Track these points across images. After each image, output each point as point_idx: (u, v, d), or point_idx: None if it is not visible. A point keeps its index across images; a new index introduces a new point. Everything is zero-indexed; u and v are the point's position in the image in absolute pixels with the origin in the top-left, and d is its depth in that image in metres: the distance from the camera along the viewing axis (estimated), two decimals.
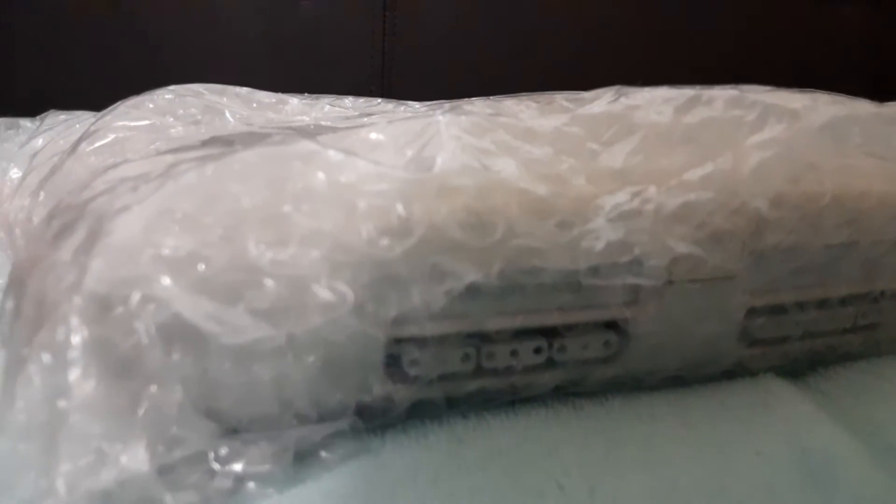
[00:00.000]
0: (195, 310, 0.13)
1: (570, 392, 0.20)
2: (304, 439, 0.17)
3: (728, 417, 0.20)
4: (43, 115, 0.33)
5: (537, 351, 0.19)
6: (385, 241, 0.15)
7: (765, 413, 0.20)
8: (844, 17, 0.62)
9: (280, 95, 0.28)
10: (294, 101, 0.28)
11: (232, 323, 0.14)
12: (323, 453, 0.17)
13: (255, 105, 0.27)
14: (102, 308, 0.13)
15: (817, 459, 0.18)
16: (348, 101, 0.31)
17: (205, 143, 0.18)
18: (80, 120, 0.30)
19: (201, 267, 0.14)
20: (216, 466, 0.15)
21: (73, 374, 0.13)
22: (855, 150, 0.19)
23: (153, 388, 0.14)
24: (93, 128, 0.24)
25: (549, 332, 0.19)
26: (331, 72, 0.58)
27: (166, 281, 0.13)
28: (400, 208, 0.15)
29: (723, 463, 0.18)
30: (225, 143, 0.18)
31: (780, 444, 0.18)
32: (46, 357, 0.13)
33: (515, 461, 0.18)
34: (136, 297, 0.13)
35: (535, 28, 0.59)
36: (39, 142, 0.28)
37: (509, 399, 0.19)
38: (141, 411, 0.14)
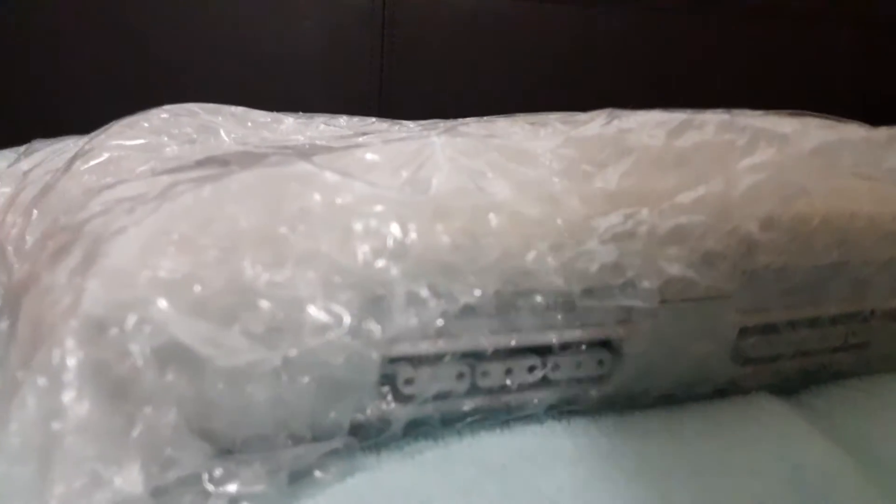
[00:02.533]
0: (191, 332, 0.13)
1: (563, 410, 0.20)
2: (298, 459, 0.17)
3: (721, 434, 0.20)
4: (28, 145, 0.33)
5: (531, 369, 0.19)
6: (381, 263, 0.15)
7: (757, 430, 0.20)
8: (838, 39, 0.63)
9: (275, 114, 0.28)
10: (289, 121, 0.28)
11: (228, 345, 0.14)
12: (317, 473, 0.17)
13: (249, 124, 0.27)
14: (98, 330, 0.13)
15: (810, 475, 0.18)
16: (343, 119, 0.31)
17: (200, 164, 0.18)
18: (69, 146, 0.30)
19: (197, 289, 0.14)
20: (210, 488, 0.15)
21: (68, 397, 0.13)
22: (845, 173, 0.19)
23: (147, 410, 0.14)
24: (87, 146, 0.24)
25: (543, 351, 0.19)
26: (330, 89, 0.58)
27: (162, 303, 0.13)
28: (396, 230, 0.15)
29: (716, 479, 0.18)
30: (221, 163, 0.18)
31: (773, 461, 0.18)
32: (41, 380, 0.13)
33: (509, 479, 0.18)
34: (132, 319, 0.13)
35: (533, 47, 0.60)
36: (24, 165, 0.28)
37: (504, 418, 0.19)
38: (135, 433, 0.14)
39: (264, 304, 0.14)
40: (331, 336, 0.15)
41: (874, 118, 0.25)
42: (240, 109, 0.29)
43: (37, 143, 0.33)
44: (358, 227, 0.15)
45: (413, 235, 0.15)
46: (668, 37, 0.61)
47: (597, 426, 0.20)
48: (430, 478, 0.17)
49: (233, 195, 0.15)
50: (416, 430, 0.19)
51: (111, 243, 0.14)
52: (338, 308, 0.15)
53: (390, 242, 0.15)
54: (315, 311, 0.14)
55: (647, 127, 0.19)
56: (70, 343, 0.13)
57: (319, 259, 0.15)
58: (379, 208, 0.15)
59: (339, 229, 0.15)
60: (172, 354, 0.14)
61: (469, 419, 0.19)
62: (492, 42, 0.59)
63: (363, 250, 0.15)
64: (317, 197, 0.15)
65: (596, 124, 0.20)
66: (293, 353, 0.14)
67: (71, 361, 0.13)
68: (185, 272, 0.14)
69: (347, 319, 0.15)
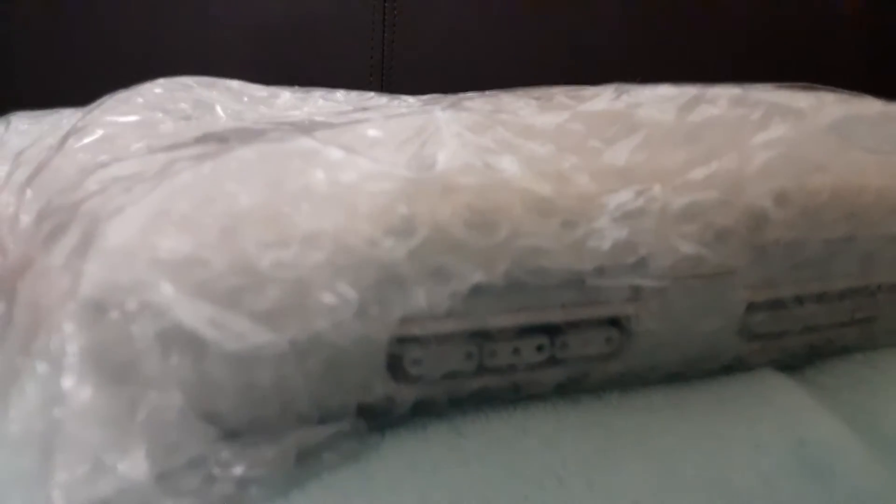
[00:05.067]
0: (195, 315, 0.13)
1: (571, 389, 0.20)
2: (305, 441, 0.17)
3: (726, 410, 0.20)
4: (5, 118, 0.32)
5: (540, 349, 0.19)
6: (388, 242, 0.15)
7: (762, 405, 0.20)
8: (846, 10, 0.62)
9: (272, 89, 0.28)
10: (286, 95, 0.27)
11: (233, 328, 0.13)
12: (325, 454, 0.17)
13: (246, 99, 0.27)
14: (98, 314, 0.13)
15: (815, 451, 0.18)
16: (340, 94, 0.30)
17: (198, 141, 0.18)
18: (64, 116, 0.29)
19: (200, 270, 0.13)
20: (216, 471, 0.15)
21: (69, 382, 0.13)
22: (862, 148, 0.19)
23: (152, 394, 0.14)
24: (80, 123, 0.23)
25: (552, 330, 0.19)
26: (330, 64, 0.57)
27: (164, 285, 0.13)
28: (403, 208, 0.15)
29: (721, 455, 0.18)
30: (220, 139, 0.18)
31: (778, 436, 0.18)
32: (41, 365, 0.13)
33: (514, 454, 0.17)
34: (133, 302, 0.13)
35: (537, 21, 0.59)
36: (14, 141, 0.27)
37: (512, 398, 0.19)
38: (139, 418, 0.14)
39: (269, 285, 0.14)
40: (338, 317, 0.14)
41: (883, 91, 0.24)
42: (236, 83, 0.28)
43: (16, 116, 0.32)
44: (364, 205, 0.15)
45: (421, 214, 0.15)
46: (674, 11, 0.60)
47: (601, 401, 0.20)
48: (435, 453, 0.17)
49: (233, 173, 0.15)
50: (424, 410, 0.18)
51: (109, 224, 0.13)
52: (344, 289, 0.14)
53: (397, 221, 0.15)
54: (321, 293, 0.14)
55: (657, 102, 0.18)
56: (69, 327, 0.13)
57: (325, 238, 0.14)
58: (385, 186, 0.15)
59: (344, 208, 0.15)
60: (176, 337, 0.13)
61: (477, 399, 0.19)
62: (495, 17, 0.58)
63: (370, 229, 0.15)
64: (320, 174, 0.15)
65: (604, 99, 0.19)
66: (300, 335, 0.14)
67: (71, 346, 0.12)
68: (186, 253, 0.13)
69: (354, 300, 0.14)
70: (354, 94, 0.31)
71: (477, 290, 0.17)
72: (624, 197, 0.16)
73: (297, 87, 0.30)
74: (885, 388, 0.21)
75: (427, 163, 0.16)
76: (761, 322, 0.21)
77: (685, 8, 0.60)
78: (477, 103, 0.20)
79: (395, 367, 0.17)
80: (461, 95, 0.22)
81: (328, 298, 0.14)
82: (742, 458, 0.18)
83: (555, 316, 0.18)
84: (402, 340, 0.17)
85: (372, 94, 0.31)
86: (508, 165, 0.17)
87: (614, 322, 0.19)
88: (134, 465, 0.13)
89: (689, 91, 0.18)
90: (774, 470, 0.17)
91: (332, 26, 0.57)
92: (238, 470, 0.15)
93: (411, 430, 0.18)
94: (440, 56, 0.58)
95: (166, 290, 0.13)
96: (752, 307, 0.20)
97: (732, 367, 0.21)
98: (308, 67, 0.57)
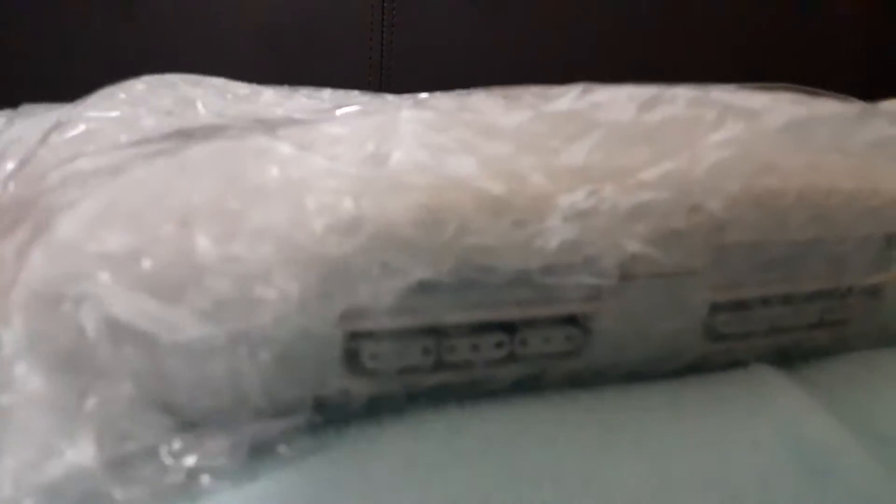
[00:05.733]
0: (132, 308, 0.13)
1: (532, 386, 0.20)
2: (260, 434, 0.17)
3: (723, 408, 0.20)
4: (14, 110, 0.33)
5: (499, 345, 0.19)
6: (334, 238, 0.15)
7: (760, 404, 0.20)
8: (841, 13, 0.61)
9: (255, 87, 0.28)
10: (269, 93, 0.28)
11: (172, 321, 0.14)
12: (281, 448, 0.17)
13: (229, 96, 0.27)
14: (44, 304, 0.13)
15: (812, 450, 0.18)
16: (327, 93, 0.31)
17: (165, 137, 0.18)
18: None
19: (144, 263, 0.14)
20: (169, 461, 0.16)
21: (18, 371, 0.13)
22: (816, 148, 0.19)
23: (101, 384, 0.14)
24: (65, 118, 0.24)
25: (511, 327, 0.19)
26: (329, 63, 0.58)
27: (105, 277, 0.13)
28: (350, 205, 0.15)
29: (718, 453, 0.18)
30: (185, 136, 0.18)
31: (775, 435, 0.18)
32: None
33: (512, 453, 0.18)
34: (76, 293, 0.13)
35: (536, 20, 0.59)
36: (14, 132, 0.28)
37: (470, 393, 0.19)
38: (88, 406, 0.14)
39: (213, 279, 0.14)
40: (280, 312, 0.15)
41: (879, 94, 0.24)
42: (220, 81, 0.29)
43: (24, 108, 0.33)
44: (312, 201, 0.15)
45: (367, 211, 0.15)
46: (671, 13, 0.59)
47: (600, 400, 0.20)
48: (434, 452, 0.17)
49: (186, 169, 0.15)
50: (382, 406, 0.19)
51: (60, 216, 0.14)
52: (287, 284, 0.15)
53: (344, 218, 0.15)
54: (264, 287, 0.14)
55: (619, 101, 0.19)
56: (17, 317, 0.13)
57: (272, 234, 0.15)
58: (333, 183, 0.15)
59: (292, 204, 0.15)
60: (121, 328, 0.14)
61: (435, 395, 0.19)
62: (494, 16, 0.58)
63: (317, 225, 0.15)
64: (272, 171, 0.15)
65: (568, 99, 0.19)
66: (243, 328, 0.14)
67: (17, 335, 0.13)
68: (132, 246, 0.14)
69: (296, 295, 0.15)
70: (341, 93, 0.31)
71: (430, 287, 0.17)
72: (576, 197, 0.17)
73: (284, 86, 0.30)
74: (882, 388, 0.21)
75: (381, 161, 0.16)
76: (726, 322, 0.21)
77: (684, 9, 0.60)
78: (443, 102, 0.20)
79: (352, 361, 0.18)
80: (432, 94, 0.23)
81: (270, 293, 0.14)
82: (739, 458, 0.18)
83: (510, 314, 0.18)
84: (358, 335, 0.17)
85: (357, 92, 0.31)
86: (464, 164, 0.17)
87: (574, 320, 0.19)
88: (82, 451, 0.14)
89: (649, 91, 0.19)
90: (772, 469, 0.17)
91: (332, 26, 0.57)
92: (190, 460, 0.16)
93: (410, 429, 0.18)
94: (439, 56, 0.58)
95: (107, 283, 0.13)
96: (715, 307, 0.20)
97: (699, 367, 0.21)
98: (308, 67, 0.57)
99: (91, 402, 0.14)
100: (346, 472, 0.17)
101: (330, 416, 0.18)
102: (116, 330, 0.14)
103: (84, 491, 0.14)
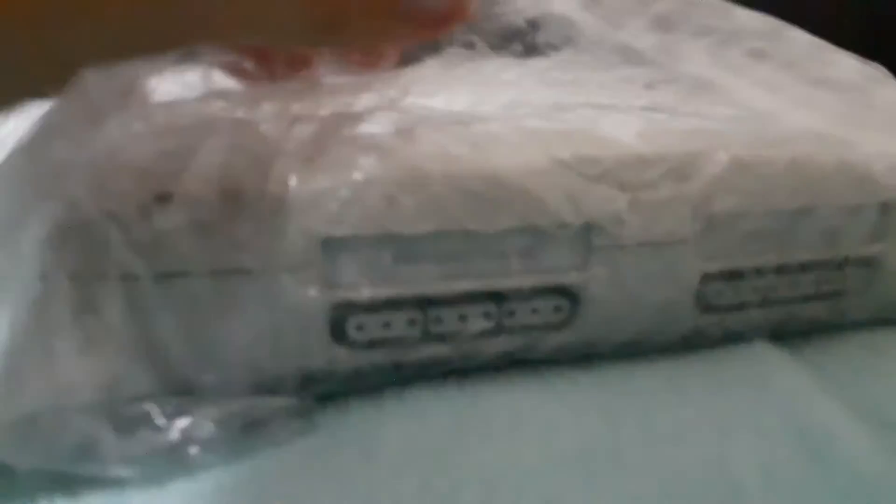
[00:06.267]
0: None
1: (523, 359, 0.20)
2: (251, 410, 0.17)
3: (726, 393, 0.19)
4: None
5: (486, 316, 0.19)
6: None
7: (763, 389, 0.20)
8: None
9: None
10: None
11: None
12: (275, 428, 0.17)
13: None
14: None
15: (816, 436, 0.18)
16: None
17: None
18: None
19: None
20: (161, 421, 0.16)
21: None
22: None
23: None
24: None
25: (498, 298, 0.19)
26: None
27: None
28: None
29: (721, 438, 0.18)
30: None
31: (779, 421, 0.18)
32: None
33: (515, 440, 0.17)
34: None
35: None
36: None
37: (459, 366, 0.19)
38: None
39: None
40: (268, 280, 0.15)
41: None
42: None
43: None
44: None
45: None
46: None
47: (600, 383, 0.20)
48: (437, 438, 0.17)
49: None
50: (370, 379, 0.19)
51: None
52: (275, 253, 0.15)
53: None
54: (251, 256, 0.14)
55: None
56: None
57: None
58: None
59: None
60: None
61: (423, 367, 0.19)
62: None
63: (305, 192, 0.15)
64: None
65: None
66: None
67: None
68: None
69: (284, 263, 0.15)
70: None
71: (416, 256, 0.17)
72: (567, 164, 0.16)
73: None
74: (886, 372, 0.21)
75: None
76: (718, 293, 0.21)
77: None
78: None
79: (338, 331, 0.18)
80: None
81: (256, 262, 0.14)
82: (742, 442, 0.17)
83: (499, 283, 0.18)
84: (341, 306, 0.17)
85: None
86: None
87: (564, 291, 0.19)
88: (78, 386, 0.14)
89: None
90: (774, 454, 0.17)
91: None
92: (182, 422, 0.16)
93: (413, 415, 0.18)
94: None
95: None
96: (707, 277, 0.20)
97: (692, 339, 0.21)
98: None
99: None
100: (347, 456, 0.17)
101: (318, 391, 0.18)
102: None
103: (80, 433, 0.14)
